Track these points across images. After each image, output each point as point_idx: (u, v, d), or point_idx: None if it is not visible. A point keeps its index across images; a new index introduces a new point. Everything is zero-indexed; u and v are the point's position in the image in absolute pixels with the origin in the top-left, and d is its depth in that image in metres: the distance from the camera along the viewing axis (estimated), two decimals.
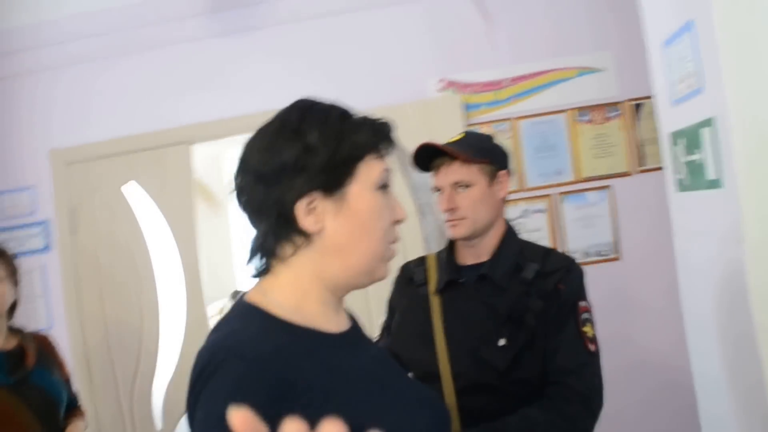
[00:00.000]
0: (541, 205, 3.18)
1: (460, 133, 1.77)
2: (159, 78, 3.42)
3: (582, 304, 1.65)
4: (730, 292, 1.83)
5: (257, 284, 1.05)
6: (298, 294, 1.01)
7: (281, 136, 0.99)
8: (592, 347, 1.62)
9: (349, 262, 1.02)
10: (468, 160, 1.66)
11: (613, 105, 3.16)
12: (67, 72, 3.46)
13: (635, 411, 3.05)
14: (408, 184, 3.21)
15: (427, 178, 1.80)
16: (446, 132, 2.15)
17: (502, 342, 1.58)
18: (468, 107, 3.22)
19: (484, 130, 3.15)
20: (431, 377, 1.64)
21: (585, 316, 1.64)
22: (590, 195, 3.16)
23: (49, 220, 3.41)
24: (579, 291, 1.66)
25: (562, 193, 3.17)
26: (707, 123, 1.82)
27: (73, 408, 2.37)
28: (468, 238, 1.70)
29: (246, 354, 0.88)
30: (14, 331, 2.27)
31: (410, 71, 3.27)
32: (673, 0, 2.02)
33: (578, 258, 2.76)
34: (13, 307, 2.26)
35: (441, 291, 1.73)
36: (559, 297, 1.62)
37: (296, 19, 3.32)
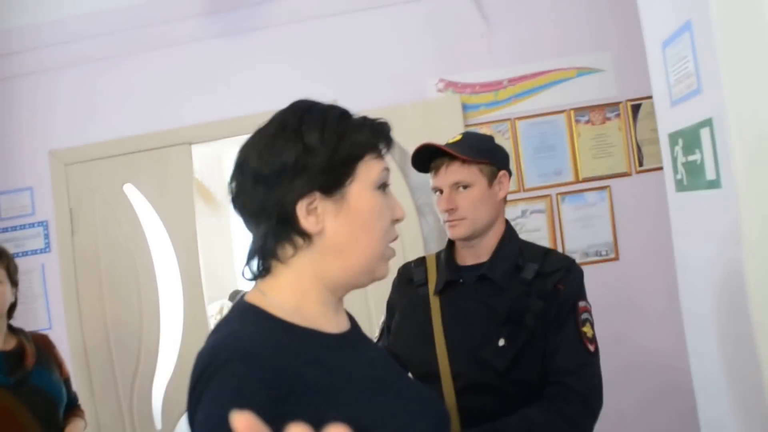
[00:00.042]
0: (540, 205, 3.18)
1: (459, 134, 1.78)
2: (159, 78, 3.42)
3: (581, 304, 1.64)
4: (729, 292, 1.83)
5: (257, 285, 1.04)
6: (298, 294, 1.01)
7: (281, 138, 0.99)
8: (591, 347, 1.62)
9: (349, 261, 1.02)
10: (468, 160, 1.66)
11: (612, 105, 3.16)
12: (67, 73, 3.46)
13: (634, 411, 3.05)
14: (407, 185, 3.21)
15: (426, 179, 1.80)
16: (446, 132, 2.15)
17: (501, 342, 1.58)
18: (467, 108, 3.22)
19: (483, 130, 3.16)
20: (431, 377, 1.64)
21: (584, 316, 1.64)
22: (589, 195, 3.16)
23: (48, 220, 3.42)
24: (578, 291, 1.66)
25: (561, 193, 3.18)
26: (706, 123, 1.82)
27: (72, 407, 2.38)
28: (467, 239, 1.70)
29: (247, 355, 0.88)
30: (14, 331, 2.27)
31: (410, 72, 3.27)
32: (671, 1, 2.03)
33: (577, 258, 2.78)
34: (12, 308, 2.26)
35: (441, 291, 1.73)
36: (559, 297, 1.62)
37: (297, 20, 3.33)
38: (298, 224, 0.98)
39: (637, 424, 3.05)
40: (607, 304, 2.84)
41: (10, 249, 2.62)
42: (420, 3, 3.28)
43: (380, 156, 1.06)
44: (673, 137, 2.13)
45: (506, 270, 1.67)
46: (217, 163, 4.52)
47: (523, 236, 1.81)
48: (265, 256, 1.02)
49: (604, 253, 3.15)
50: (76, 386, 2.93)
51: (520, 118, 3.20)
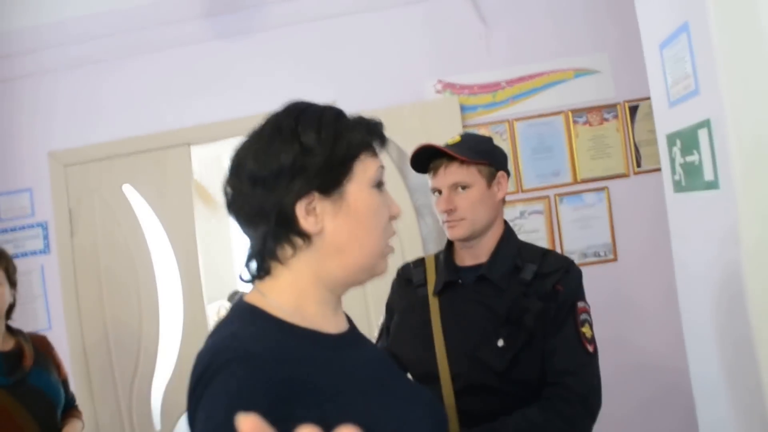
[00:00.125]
0: (538, 206, 3.19)
1: (458, 135, 1.78)
2: (158, 80, 3.42)
3: (580, 304, 1.65)
4: (727, 293, 1.84)
5: (256, 286, 1.04)
6: (297, 295, 1.01)
7: (277, 139, 0.99)
8: (590, 348, 1.63)
9: (349, 260, 1.02)
10: (466, 161, 1.66)
11: (610, 106, 3.17)
12: (66, 74, 3.46)
13: (633, 414, 3.05)
14: (406, 186, 3.22)
15: (424, 180, 1.80)
16: (444, 133, 2.15)
17: (500, 343, 1.58)
18: (465, 109, 3.23)
19: (481, 131, 3.16)
20: (430, 378, 1.64)
21: (583, 316, 1.64)
22: (587, 196, 3.17)
23: (47, 221, 3.42)
24: (577, 292, 1.67)
25: (559, 194, 3.18)
26: (704, 124, 1.83)
27: (70, 408, 2.38)
28: (467, 239, 1.71)
29: (248, 355, 0.88)
30: (12, 331, 2.27)
31: (408, 73, 3.28)
32: (668, 2, 2.03)
33: (575, 259, 2.78)
34: (11, 308, 2.26)
35: (440, 292, 1.73)
36: (558, 298, 1.62)
37: (295, 22, 3.33)
38: (298, 225, 0.98)
39: (636, 426, 3.05)
40: (606, 306, 2.84)
41: (10, 250, 2.62)
42: (418, 4, 3.28)
43: (375, 154, 1.07)
44: (671, 138, 2.13)
45: (505, 271, 1.68)
46: (216, 164, 4.52)
47: (521, 237, 1.82)
48: (264, 257, 1.02)
49: (602, 254, 3.15)
50: (75, 387, 2.93)
51: (518, 120, 3.21)
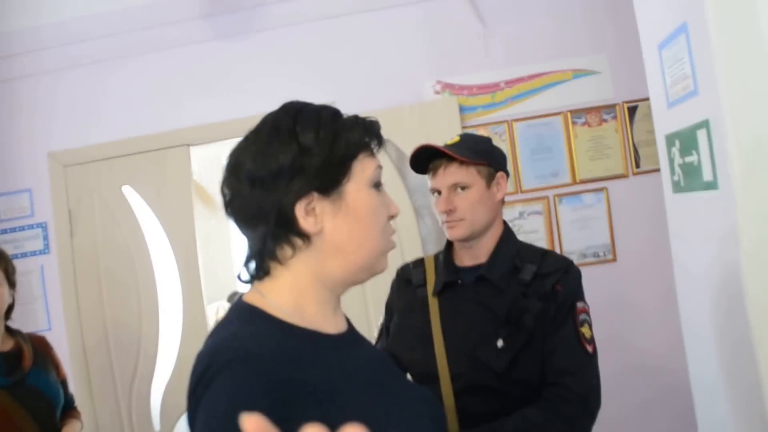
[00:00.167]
0: (537, 207, 3.19)
1: (457, 135, 1.78)
2: (158, 81, 3.42)
3: (580, 305, 1.65)
4: (727, 293, 1.84)
5: (254, 286, 1.04)
6: (297, 295, 1.01)
7: (275, 139, 0.99)
8: (589, 348, 1.63)
9: (349, 259, 1.02)
10: (466, 161, 1.66)
11: (609, 107, 3.17)
12: (66, 75, 3.46)
13: (632, 415, 3.05)
14: (405, 187, 3.22)
15: (423, 180, 1.80)
16: (443, 134, 2.15)
17: (500, 343, 1.58)
18: (464, 110, 3.23)
19: (480, 132, 3.16)
20: (430, 378, 1.64)
21: (583, 317, 1.64)
22: (586, 197, 3.17)
23: (47, 221, 3.41)
24: (577, 292, 1.67)
25: (558, 195, 3.18)
26: (702, 125, 1.83)
27: (69, 409, 2.38)
28: (466, 240, 1.71)
29: (248, 356, 0.88)
30: (11, 332, 2.27)
31: (407, 74, 3.28)
32: (667, 2, 2.03)
33: (575, 260, 2.78)
34: (10, 309, 2.26)
35: (439, 292, 1.74)
36: (557, 298, 1.62)
37: (294, 23, 3.33)
38: (297, 225, 0.98)
39: (635, 426, 3.05)
40: (605, 306, 2.84)
41: (10, 250, 2.63)
42: (417, 5, 3.29)
43: (373, 154, 1.07)
44: (670, 139, 2.13)
45: (505, 271, 1.68)
46: (215, 165, 4.52)
47: (520, 238, 1.82)
48: (264, 258, 1.02)
49: (601, 254, 3.15)
50: (75, 387, 2.93)
51: (517, 120, 3.21)
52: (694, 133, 1.90)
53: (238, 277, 1.07)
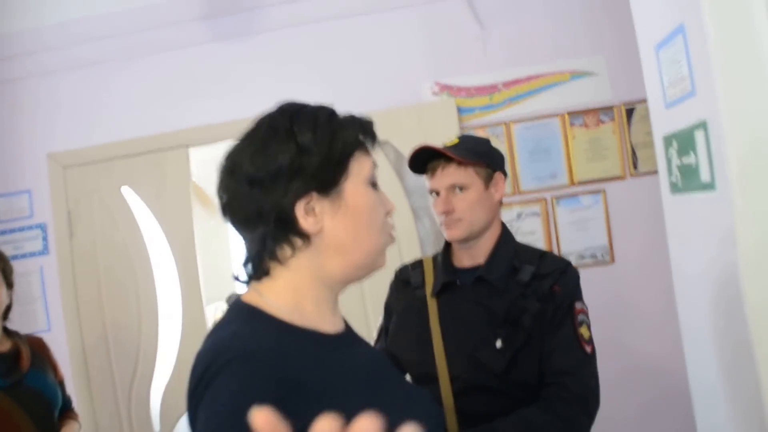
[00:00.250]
0: (535, 208, 3.19)
1: (456, 136, 1.78)
2: (157, 82, 3.42)
3: (578, 305, 1.65)
4: (725, 294, 1.84)
5: (252, 286, 1.04)
6: (296, 295, 1.01)
7: (273, 140, 0.99)
8: (588, 348, 1.63)
9: (349, 258, 1.03)
10: (464, 162, 1.67)
11: (606, 109, 3.17)
12: (65, 76, 3.46)
13: (631, 418, 3.04)
14: (403, 188, 3.22)
15: (421, 182, 1.81)
16: (441, 135, 2.16)
17: (499, 344, 1.59)
18: (462, 111, 3.23)
19: (478, 133, 3.17)
20: (429, 379, 1.65)
21: (581, 317, 1.65)
22: (584, 198, 3.17)
23: (46, 222, 3.41)
24: (575, 292, 1.67)
25: (556, 196, 3.19)
26: (700, 125, 1.83)
27: (67, 410, 2.38)
28: (464, 240, 1.71)
29: (250, 354, 0.88)
30: (9, 333, 2.27)
31: (405, 75, 3.28)
32: (664, 3, 2.04)
33: (573, 261, 2.78)
34: (7, 310, 2.26)
35: (438, 293, 1.74)
36: (555, 299, 1.62)
37: (293, 24, 3.33)
38: (297, 225, 0.99)
39: (634, 429, 3.04)
40: (603, 308, 2.84)
41: (9, 251, 2.62)
42: (415, 7, 3.29)
43: (368, 152, 1.07)
44: (668, 140, 2.14)
45: (503, 272, 1.68)
46: (214, 166, 4.51)
47: (518, 239, 1.82)
48: (264, 258, 1.02)
49: (599, 256, 3.15)
50: (74, 388, 2.93)
51: (514, 122, 3.21)
52: (691, 134, 1.91)
53: (237, 278, 1.07)
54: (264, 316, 0.98)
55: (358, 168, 1.04)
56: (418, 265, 1.86)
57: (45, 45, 3.38)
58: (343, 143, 1.02)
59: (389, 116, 3.15)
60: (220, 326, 1.00)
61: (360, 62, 3.31)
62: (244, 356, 0.88)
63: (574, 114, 3.18)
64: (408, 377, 1.72)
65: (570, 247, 3.16)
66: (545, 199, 3.19)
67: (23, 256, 3.37)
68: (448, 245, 1.82)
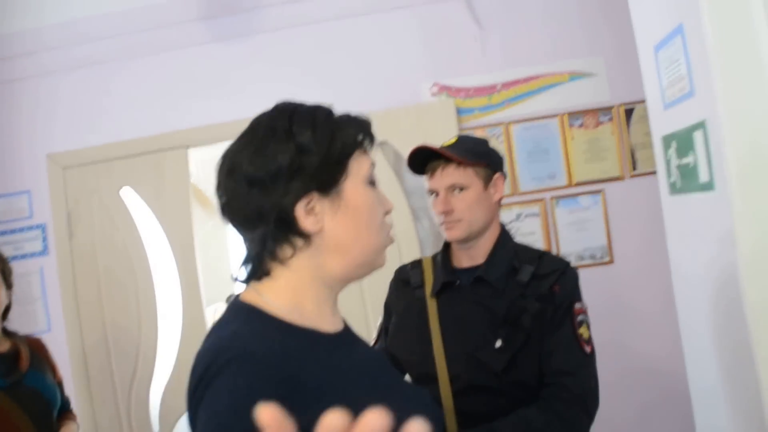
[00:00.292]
0: (534, 209, 3.19)
1: (454, 137, 1.78)
2: (156, 83, 3.42)
3: (577, 305, 1.65)
4: (724, 295, 1.84)
5: (252, 286, 1.04)
6: (296, 294, 1.01)
7: (272, 140, 0.99)
8: (587, 349, 1.63)
9: (350, 257, 1.03)
10: (463, 162, 1.67)
11: (605, 110, 3.18)
12: (65, 77, 3.46)
13: (630, 418, 3.04)
14: (402, 189, 3.22)
15: (420, 182, 1.81)
16: (440, 136, 2.16)
17: (498, 344, 1.59)
18: (461, 111, 3.24)
19: (477, 134, 3.17)
20: (428, 379, 1.65)
21: (581, 317, 1.65)
22: (583, 199, 3.17)
23: (46, 223, 3.41)
24: (574, 293, 1.67)
25: (555, 197, 3.19)
26: (699, 126, 1.84)
27: (65, 412, 2.38)
28: (464, 241, 1.71)
29: (250, 354, 0.88)
30: (8, 333, 2.27)
31: (404, 76, 3.29)
32: (663, 4, 2.04)
33: (572, 262, 2.78)
34: (6, 310, 2.26)
35: (437, 293, 1.74)
36: (555, 299, 1.62)
37: (292, 25, 3.34)
38: (298, 225, 0.99)
39: (633, 431, 3.04)
40: (602, 308, 2.84)
41: (9, 252, 2.62)
42: (414, 8, 3.29)
43: (366, 152, 1.07)
44: (667, 140, 2.14)
45: (502, 272, 1.68)
46: (213, 167, 4.51)
47: (518, 240, 1.82)
48: (264, 259, 1.02)
49: (598, 256, 3.16)
50: (74, 389, 2.92)
51: (513, 122, 3.21)
52: (690, 134, 1.91)
53: (236, 278, 1.07)
54: (264, 316, 0.98)
55: (357, 167, 1.04)
56: (417, 265, 1.86)
57: (45, 45, 3.38)
58: (342, 143, 1.02)
59: (388, 117, 3.15)
60: (219, 326, 1.00)
61: (359, 63, 3.31)
62: (245, 356, 0.87)
63: (573, 115, 3.19)
64: (408, 377, 1.73)
65: (569, 247, 3.17)
66: (544, 200, 3.19)
67: (23, 256, 3.37)
68: (447, 245, 1.82)
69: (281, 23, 3.33)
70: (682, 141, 1.99)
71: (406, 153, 1.71)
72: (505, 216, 3.11)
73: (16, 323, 2.31)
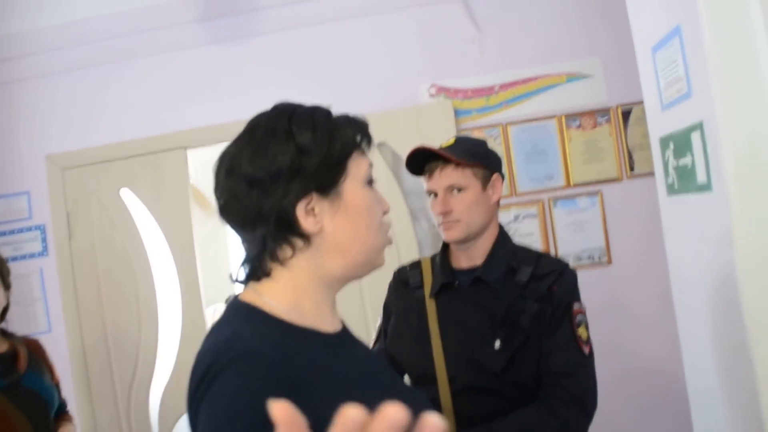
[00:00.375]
0: (532, 210, 3.20)
1: (453, 137, 1.79)
2: (155, 84, 3.42)
3: (576, 306, 1.66)
4: (722, 295, 1.84)
5: (251, 286, 1.04)
6: (295, 295, 1.01)
7: (272, 140, 0.99)
8: (586, 349, 1.64)
9: (349, 257, 1.03)
10: (462, 163, 1.67)
11: (603, 111, 3.18)
12: (64, 78, 3.46)
13: (628, 418, 3.04)
14: (401, 190, 3.22)
15: (419, 183, 1.81)
16: (438, 137, 2.16)
17: (497, 344, 1.59)
18: (459, 113, 3.24)
19: (475, 135, 3.17)
20: (427, 380, 1.65)
21: (579, 318, 1.65)
22: (581, 200, 3.18)
23: (45, 224, 3.41)
24: (573, 293, 1.67)
25: (553, 198, 3.19)
26: (696, 127, 1.84)
27: (61, 413, 2.38)
28: (462, 241, 1.71)
29: (251, 354, 0.88)
30: (6, 334, 2.26)
31: (402, 77, 3.29)
32: (660, 5, 2.04)
33: (570, 262, 2.78)
34: (4, 311, 2.26)
35: (436, 294, 1.74)
36: (553, 299, 1.63)
37: (290, 27, 3.34)
38: (298, 226, 0.99)
39: (631, 431, 3.05)
40: (600, 310, 2.84)
41: (9, 252, 2.62)
42: (412, 9, 3.30)
43: (365, 153, 1.08)
44: (664, 141, 2.14)
45: (501, 273, 1.68)
46: (212, 167, 4.50)
47: (516, 240, 1.82)
48: (264, 259, 1.02)
49: (596, 257, 3.16)
50: (74, 389, 2.92)
51: (511, 124, 3.22)
52: (688, 135, 1.91)
53: (235, 279, 1.07)
54: (264, 316, 0.98)
55: (356, 168, 1.04)
56: (416, 266, 1.86)
57: (43, 47, 3.38)
58: (342, 143, 1.02)
59: (386, 118, 3.15)
60: (219, 326, 1.00)
61: (357, 64, 3.32)
62: (246, 356, 0.87)
63: (570, 116, 3.19)
64: (407, 378, 1.73)
65: (567, 248, 3.17)
66: (542, 201, 3.20)
67: (23, 257, 3.37)
68: (446, 246, 1.82)
69: (279, 25, 3.33)
70: (680, 142, 1.99)
71: (404, 154, 1.71)
72: (503, 217, 3.12)
73: (17, 324, 2.31)
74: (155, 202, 3.36)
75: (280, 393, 0.83)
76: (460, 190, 1.67)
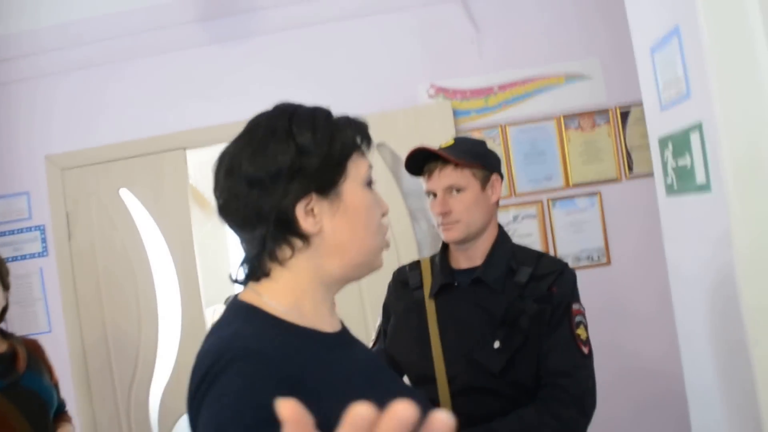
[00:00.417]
0: (531, 210, 3.20)
1: (452, 138, 1.79)
2: (154, 84, 3.42)
3: (575, 306, 1.66)
4: (721, 296, 1.84)
5: (250, 287, 1.04)
6: (295, 295, 1.01)
7: (272, 140, 0.99)
8: (585, 349, 1.64)
9: (348, 258, 1.03)
10: (461, 164, 1.67)
11: (602, 112, 3.18)
12: (63, 79, 3.46)
13: (627, 418, 3.04)
14: (400, 190, 3.22)
15: (418, 184, 1.81)
16: (437, 138, 2.16)
17: (496, 345, 1.59)
18: (458, 113, 3.24)
19: (474, 136, 3.17)
20: (427, 380, 1.65)
21: (578, 318, 1.65)
22: (580, 201, 3.18)
23: (45, 224, 3.41)
24: (572, 293, 1.68)
25: (552, 198, 3.20)
26: (695, 127, 1.84)
27: (60, 413, 2.38)
28: (461, 242, 1.72)
29: (252, 353, 0.88)
30: (5, 335, 2.26)
31: (401, 78, 3.29)
32: (659, 6, 2.04)
33: (569, 263, 2.78)
34: (4, 311, 2.26)
35: (436, 295, 1.74)
36: (553, 300, 1.63)
37: (289, 27, 3.34)
38: (298, 226, 0.99)
39: (630, 431, 3.05)
40: (599, 310, 2.83)
41: (8, 253, 2.62)
42: (411, 10, 3.30)
43: (364, 154, 1.08)
44: (663, 142, 2.14)
45: (500, 273, 1.69)
46: (211, 168, 4.50)
47: (515, 241, 1.82)
48: (263, 259, 1.02)
49: (595, 258, 3.16)
50: (74, 389, 2.92)
51: (510, 124, 3.22)
52: (687, 136, 1.92)
53: (235, 279, 1.07)
54: (264, 316, 0.98)
55: (356, 169, 1.04)
56: (415, 266, 1.86)
57: (42, 47, 3.38)
58: (342, 144, 1.02)
59: (385, 119, 3.16)
60: (219, 326, 1.00)
61: (356, 65, 3.32)
62: (247, 356, 0.88)
63: (569, 117, 3.19)
64: (406, 379, 1.73)
65: (566, 248, 3.17)
66: (541, 202, 3.20)
67: (23, 257, 3.37)
68: (445, 247, 1.82)
69: (279, 25, 3.33)
70: (679, 143, 1.99)
71: (403, 155, 1.71)
72: (502, 217, 3.12)
73: (17, 324, 2.30)
74: (155, 202, 3.36)
75: (280, 393, 0.83)
76: (459, 190, 1.68)
